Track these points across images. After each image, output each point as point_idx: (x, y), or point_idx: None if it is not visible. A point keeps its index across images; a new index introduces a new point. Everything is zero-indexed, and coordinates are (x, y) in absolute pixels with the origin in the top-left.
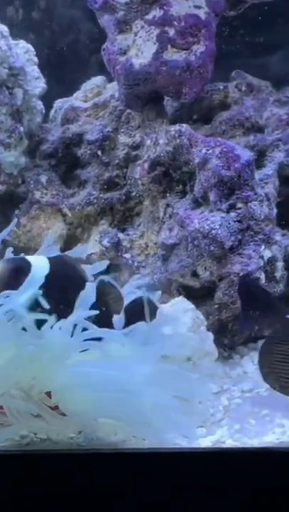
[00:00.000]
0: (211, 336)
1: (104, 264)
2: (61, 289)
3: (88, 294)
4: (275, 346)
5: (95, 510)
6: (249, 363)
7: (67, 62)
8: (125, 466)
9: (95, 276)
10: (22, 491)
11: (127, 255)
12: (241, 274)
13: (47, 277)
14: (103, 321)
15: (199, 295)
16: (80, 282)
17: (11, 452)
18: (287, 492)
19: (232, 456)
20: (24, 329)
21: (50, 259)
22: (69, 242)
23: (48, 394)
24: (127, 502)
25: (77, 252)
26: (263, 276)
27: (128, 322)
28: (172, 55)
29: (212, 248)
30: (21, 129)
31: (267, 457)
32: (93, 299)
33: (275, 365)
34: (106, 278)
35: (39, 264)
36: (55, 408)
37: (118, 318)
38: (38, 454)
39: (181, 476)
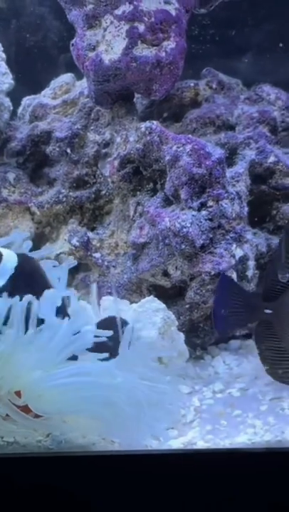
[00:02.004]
0: (182, 336)
1: (72, 262)
2: (25, 284)
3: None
4: (269, 342)
5: None
6: (220, 363)
7: (36, 59)
8: (95, 469)
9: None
10: None
11: (97, 254)
12: (213, 273)
13: (15, 269)
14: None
15: (170, 295)
16: (41, 280)
17: None
18: (259, 493)
19: (203, 457)
20: None
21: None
22: (37, 241)
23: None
24: (97, 505)
25: (45, 251)
26: (234, 275)
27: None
28: (142, 51)
29: (183, 247)
30: None
31: (238, 458)
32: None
33: (274, 360)
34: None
35: (9, 255)
36: (25, 408)
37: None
38: (4, 457)
39: (152, 479)
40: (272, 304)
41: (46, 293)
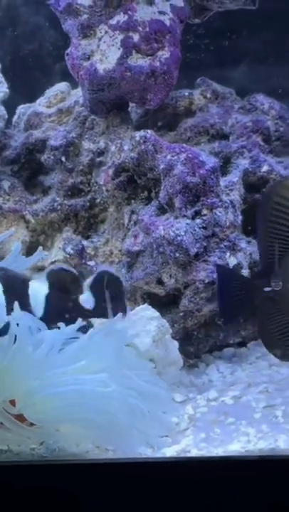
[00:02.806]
0: (176, 344)
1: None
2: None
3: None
4: (270, 322)
5: None
6: (214, 371)
7: (31, 68)
8: (88, 477)
9: None
10: None
11: (92, 262)
12: (207, 281)
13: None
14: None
15: (164, 303)
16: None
17: None
18: (252, 501)
19: (197, 465)
20: None
21: None
22: (32, 249)
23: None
24: None
25: (37, 257)
26: None
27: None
28: (137, 60)
29: (177, 255)
30: None
31: (232, 466)
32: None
33: (275, 338)
34: (55, 266)
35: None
36: (19, 416)
37: (86, 298)
38: None
39: (146, 486)
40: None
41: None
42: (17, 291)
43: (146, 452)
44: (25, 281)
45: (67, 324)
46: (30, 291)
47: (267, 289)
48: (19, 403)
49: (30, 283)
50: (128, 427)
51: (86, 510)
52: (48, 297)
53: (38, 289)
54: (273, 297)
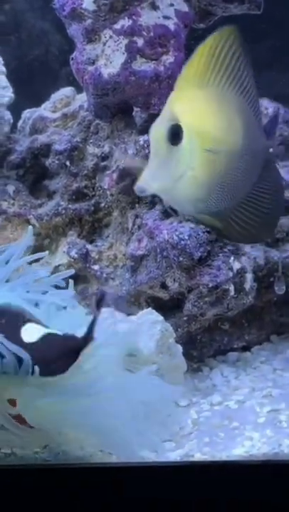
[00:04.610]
0: (179, 348)
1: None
2: None
3: None
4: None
5: None
6: (218, 375)
7: (36, 73)
8: (92, 481)
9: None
10: None
11: (96, 267)
12: (210, 285)
13: None
14: None
15: (168, 307)
16: None
17: None
18: (256, 505)
19: (201, 469)
20: None
21: None
22: (36, 253)
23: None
24: None
25: (36, 256)
26: (232, 287)
27: None
28: (141, 65)
29: (181, 259)
30: None
31: (236, 470)
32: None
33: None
34: None
35: None
36: (18, 417)
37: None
38: (2, 469)
39: (150, 490)
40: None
41: None
42: None
43: (150, 456)
44: None
45: None
46: None
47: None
48: (19, 404)
49: None
50: (131, 431)
51: None
52: None
53: None
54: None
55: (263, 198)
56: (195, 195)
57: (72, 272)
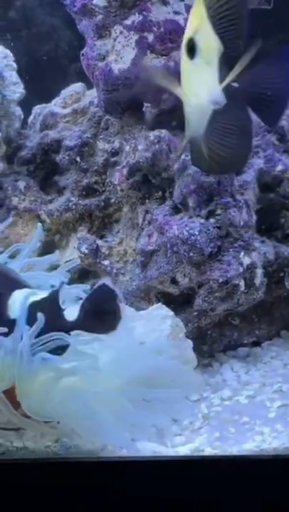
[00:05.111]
0: (190, 343)
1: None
2: None
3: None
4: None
5: None
6: (228, 370)
7: (47, 69)
8: (103, 475)
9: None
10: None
11: (106, 262)
12: (221, 280)
13: None
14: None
15: (178, 302)
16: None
17: None
18: (267, 500)
19: (211, 464)
20: None
21: None
22: (47, 248)
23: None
24: (105, 511)
25: (50, 259)
26: (242, 282)
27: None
28: (151, 60)
29: (191, 254)
30: None
31: (246, 465)
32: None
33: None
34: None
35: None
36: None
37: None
38: (14, 462)
39: (160, 484)
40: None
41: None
42: None
43: (160, 450)
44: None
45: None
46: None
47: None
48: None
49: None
50: (139, 429)
51: (99, 507)
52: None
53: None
54: None
55: (231, 136)
56: None
57: (77, 262)
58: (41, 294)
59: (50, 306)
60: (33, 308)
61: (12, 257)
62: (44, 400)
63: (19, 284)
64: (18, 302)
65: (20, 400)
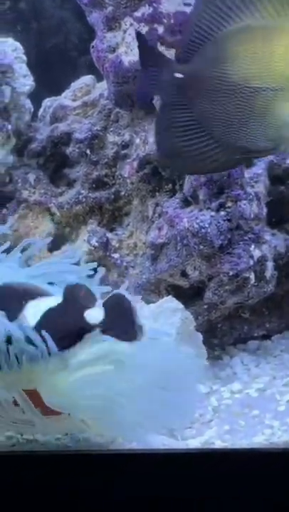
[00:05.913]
0: (200, 336)
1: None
2: None
3: None
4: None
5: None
6: (238, 363)
7: (56, 61)
8: (113, 467)
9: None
10: (7, 493)
11: (116, 255)
12: (231, 273)
13: None
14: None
15: (188, 295)
16: None
17: None
18: (277, 492)
19: (221, 456)
20: None
21: None
22: (57, 241)
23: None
24: (115, 504)
25: (66, 255)
26: (252, 275)
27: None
28: (162, 52)
29: (201, 247)
30: (9, 127)
31: (256, 458)
32: None
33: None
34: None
35: None
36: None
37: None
38: (24, 455)
39: (170, 477)
40: (185, 67)
41: None
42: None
43: (170, 443)
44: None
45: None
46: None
47: (178, 75)
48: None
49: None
50: (151, 418)
51: (109, 499)
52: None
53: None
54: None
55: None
56: None
57: (94, 264)
58: (55, 298)
59: (68, 310)
60: (50, 315)
61: (24, 250)
62: (65, 392)
63: (31, 295)
64: (31, 315)
65: (41, 390)
